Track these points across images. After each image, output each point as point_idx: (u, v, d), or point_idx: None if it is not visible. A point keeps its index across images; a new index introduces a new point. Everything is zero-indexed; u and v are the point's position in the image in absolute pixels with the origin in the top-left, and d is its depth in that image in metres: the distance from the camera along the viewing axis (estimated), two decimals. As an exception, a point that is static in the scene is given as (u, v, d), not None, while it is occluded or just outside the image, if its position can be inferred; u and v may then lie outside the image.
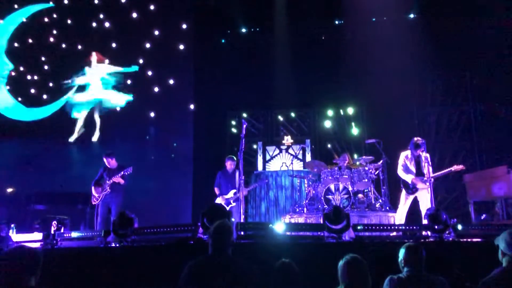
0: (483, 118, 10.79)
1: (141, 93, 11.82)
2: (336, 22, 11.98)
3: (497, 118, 10.64)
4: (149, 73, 11.85)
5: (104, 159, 7.93)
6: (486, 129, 10.74)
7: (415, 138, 7.00)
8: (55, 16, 12.82)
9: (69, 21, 12.70)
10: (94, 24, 12.52)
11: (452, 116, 10.98)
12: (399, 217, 7.02)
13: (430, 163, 6.81)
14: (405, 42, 10.13)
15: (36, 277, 2.63)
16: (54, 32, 12.76)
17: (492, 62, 10.32)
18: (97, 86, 12.42)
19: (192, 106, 11.50)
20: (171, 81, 11.65)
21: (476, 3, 9.94)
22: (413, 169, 6.99)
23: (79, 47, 12.61)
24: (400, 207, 7.06)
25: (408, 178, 6.94)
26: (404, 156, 7.11)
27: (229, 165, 8.20)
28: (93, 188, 7.76)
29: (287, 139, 10.79)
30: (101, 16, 12.43)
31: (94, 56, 12.54)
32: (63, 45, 12.69)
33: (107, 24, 12.41)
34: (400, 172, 7.11)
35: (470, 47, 10.24)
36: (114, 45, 12.39)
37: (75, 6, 12.69)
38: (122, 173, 7.65)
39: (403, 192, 7.04)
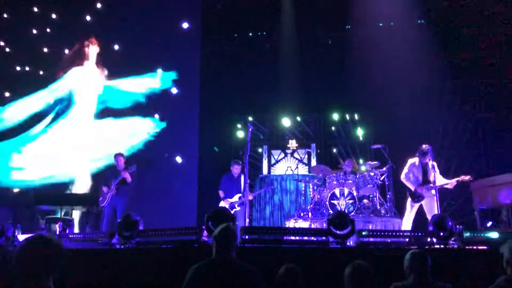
0: (490, 124, 10.72)
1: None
2: (343, 27, 11.96)
3: (504, 124, 10.59)
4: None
5: (114, 159, 8.08)
6: (493, 135, 10.67)
7: (423, 146, 6.99)
8: (36, 9, 10.98)
9: (53, 16, 11.12)
10: (88, 18, 11.31)
11: (458, 122, 10.92)
12: (405, 224, 6.98)
13: (435, 171, 6.81)
14: (412, 47, 10.10)
15: (54, 275, 2.24)
16: (34, 31, 11.18)
17: (500, 69, 10.28)
18: (89, 111, 10.55)
19: (197, 110, 11.51)
20: (177, 84, 11.67)
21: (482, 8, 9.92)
22: (419, 176, 6.97)
23: (66, 51, 11.22)
24: (406, 215, 7.03)
25: (411, 186, 6.94)
26: (411, 164, 7.10)
27: (235, 169, 8.20)
28: (103, 187, 7.94)
29: (292, 143, 10.77)
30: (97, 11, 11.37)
31: (92, 50, 10.87)
32: (45, 49, 11.24)
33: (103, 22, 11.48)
34: (403, 178, 7.10)
35: (477, 53, 10.21)
36: (114, 48, 11.50)
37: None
38: (128, 169, 7.81)
39: (409, 199, 7.01)
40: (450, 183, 6.76)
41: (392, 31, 11.18)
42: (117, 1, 11.73)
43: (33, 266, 2.14)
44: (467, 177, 6.76)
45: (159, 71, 11.13)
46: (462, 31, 10.37)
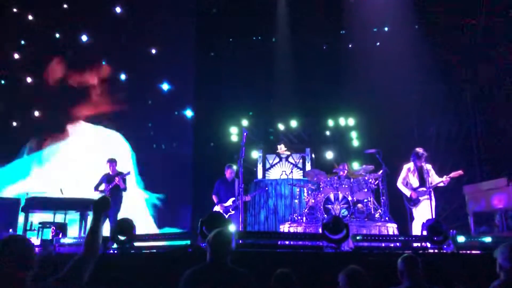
0: (483, 129, 10.79)
1: (141, 100, 11.79)
2: (338, 32, 12.02)
3: (497, 129, 10.66)
4: (150, 80, 11.83)
5: (107, 164, 8.07)
6: (486, 140, 10.74)
7: (417, 149, 7.05)
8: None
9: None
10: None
11: (452, 127, 10.98)
12: (417, 231, 6.99)
13: (429, 174, 6.87)
14: (406, 52, 10.16)
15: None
16: (16, 57, 11.10)
17: (493, 72, 10.39)
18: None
19: (192, 114, 11.50)
20: (172, 89, 11.66)
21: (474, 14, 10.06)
22: (416, 180, 7.01)
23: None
24: (416, 221, 7.05)
25: (407, 191, 6.98)
26: (407, 169, 7.15)
27: (229, 173, 8.18)
28: (95, 193, 7.91)
29: (281, 148, 10.68)
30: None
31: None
32: (29, 79, 11.13)
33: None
34: (399, 184, 7.14)
35: (470, 58, 10.29)
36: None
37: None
38: (122, 176, 7.80)
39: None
40: (444, 180, 6.83)
41: (387, 36, 11.25)
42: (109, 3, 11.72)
43: (7, 265, 2.21)
44: (458, 172, 6.86)
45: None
46: (456, 36, 10.47)
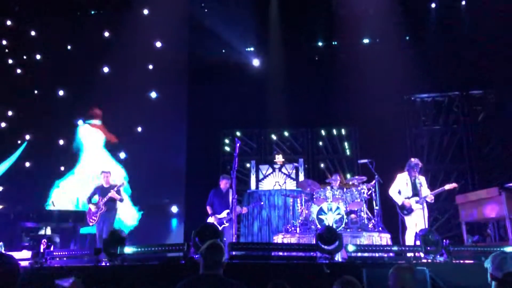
0: (475, 139, 10.88)
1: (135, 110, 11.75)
2: (330, 43, 12.13)
3: (489, 139, 10.76)
4: (143, 91, 11.80)
5: (102, 175, 8.05)
6: (478, 150, 10.82)
7: (411, 159, 7.11)
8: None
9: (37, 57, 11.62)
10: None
11: (444, 136, 11.07)
12: (409, 240, 6.99)
13: (422, 184, 6.90)
14: (398, 63, 10.27)
15: None
16: (18, 71, 11.55)
17: (483, 82, 10.53)
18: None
19: (185, 125, 11.48)
20: (165, 99, 11.64)
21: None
22: (409, 190, 7.04)
23: (61, 93, 11.55)
24: (409, 231, 7.06)
25: (399, 200, 7.01)
26: (400, 178, 7.18)
27: (224, 184, 8.13)
28: (89, 206, 7.86)
29: (279, 158, 10.71)
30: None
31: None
32: (36, 91, 11.54)
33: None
34: (391, 192, 7.17)
35: (460, 68, 10.42)
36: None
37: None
38: (116, 188, 7.77)
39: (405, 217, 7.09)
40: (430, 197, 6.84)
41: (378, 47, 11.37)
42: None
43: None
44: (452, 185, 6.90)
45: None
46: (445, 46, 10.61)
